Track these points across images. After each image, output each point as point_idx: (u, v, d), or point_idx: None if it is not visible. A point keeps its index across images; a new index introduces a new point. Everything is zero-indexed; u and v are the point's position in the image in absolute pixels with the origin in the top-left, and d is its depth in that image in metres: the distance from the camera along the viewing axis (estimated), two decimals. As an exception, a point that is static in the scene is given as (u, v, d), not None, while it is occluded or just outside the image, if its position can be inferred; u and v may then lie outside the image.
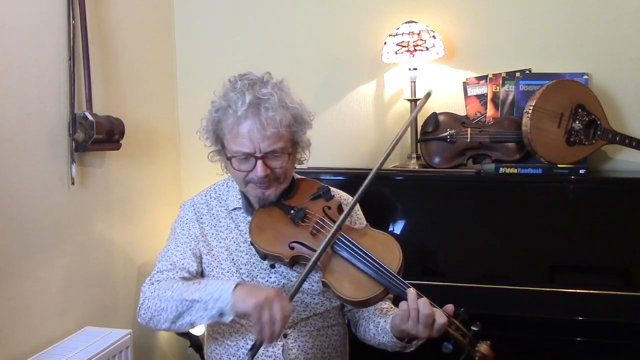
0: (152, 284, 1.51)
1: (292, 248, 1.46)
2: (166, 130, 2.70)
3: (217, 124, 1.49)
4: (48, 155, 1.94)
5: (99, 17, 2.19)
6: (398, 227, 2.22)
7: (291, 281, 1.51)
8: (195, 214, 1.61)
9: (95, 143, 2.03)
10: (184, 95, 2.77)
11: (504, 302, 2.00)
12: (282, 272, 1.53)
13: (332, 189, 1.61)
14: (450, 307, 1.37)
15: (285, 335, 1.51)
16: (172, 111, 2.75)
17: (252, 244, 1.51)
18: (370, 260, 1.40)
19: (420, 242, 2.20)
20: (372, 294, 1.38)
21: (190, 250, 1.56)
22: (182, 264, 1.53)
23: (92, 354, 1.85)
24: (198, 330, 2.37)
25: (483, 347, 1.33)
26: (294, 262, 1.46)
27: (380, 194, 2.22)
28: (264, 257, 1.49)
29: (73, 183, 2.03)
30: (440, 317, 1.32)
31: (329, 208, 1.54)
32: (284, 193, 1.56)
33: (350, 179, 2.26)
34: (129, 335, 2.03)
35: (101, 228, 2.21)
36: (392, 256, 1.42)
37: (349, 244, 1.43)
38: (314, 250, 1.41)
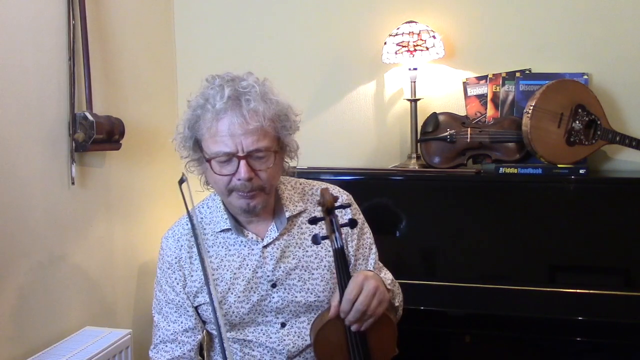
0: (158, 352, 1.47)
1: None
2: (166, 130, 2.69)
3: (195, 123, 1.36)
4: (48, 155, 1.94)
5: (99, 17, 2.19)
6: (398, 227, 2.22)
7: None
8: (177, 259, 1.47)
9: (95, 143, 2.03)
10: (184, 95, 2.74)
11: (504, 302, 2.00)
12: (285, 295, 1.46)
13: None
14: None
15: None
16: (172, 111, 2.74)
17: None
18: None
19: (420, 242, 2.19)
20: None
21: (182, 307, 1.47)
22: (183, 327, 1.47)
23: (92, 354, 1.85)
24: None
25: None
26: None
27: (381, 194, 2.22)
28: None
29: (73, 183, 2.03)
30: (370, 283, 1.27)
31: None
32: None
33: (350, 179, 2.26)
34: (129, 335, 2.03)
35: (101, 228, 2.21)
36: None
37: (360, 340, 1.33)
38: None
